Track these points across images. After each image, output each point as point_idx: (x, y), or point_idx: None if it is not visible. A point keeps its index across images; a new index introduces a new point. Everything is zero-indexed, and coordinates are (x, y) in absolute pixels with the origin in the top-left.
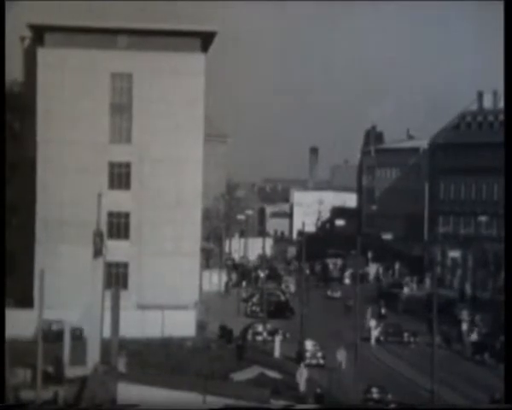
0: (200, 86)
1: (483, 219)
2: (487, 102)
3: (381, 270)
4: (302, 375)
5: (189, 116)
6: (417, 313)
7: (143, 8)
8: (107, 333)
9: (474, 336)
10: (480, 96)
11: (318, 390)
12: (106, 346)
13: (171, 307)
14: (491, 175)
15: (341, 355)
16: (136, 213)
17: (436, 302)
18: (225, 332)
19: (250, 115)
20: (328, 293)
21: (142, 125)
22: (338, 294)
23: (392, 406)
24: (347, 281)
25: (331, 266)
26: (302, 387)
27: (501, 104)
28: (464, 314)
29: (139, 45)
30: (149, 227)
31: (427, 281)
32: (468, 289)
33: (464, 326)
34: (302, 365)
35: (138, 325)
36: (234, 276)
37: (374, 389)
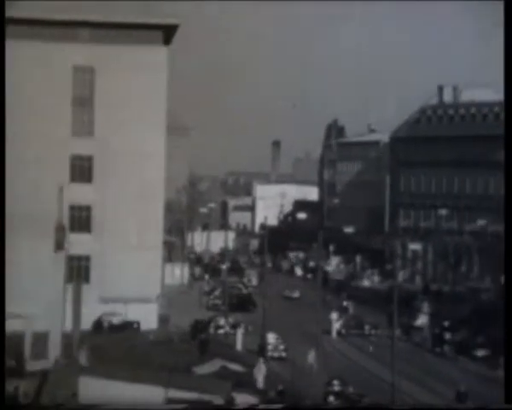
0: (163, 79)
1: (443, 212)
2: (447, 96)
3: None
4: (260, 371)
5: (152, 109)
6: (378, 306)
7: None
8: (69, 326)
9: (434, 329)
10: (441, 90)
11: (280, 387)
12: (67, 339)
13: (134, 301)
14: (451, 168)
15: (312, 357)
16: (98, 206)
17: (397, 295)
18: (197, 330)
19: (213, 108)
20: (286, 293)
21: (104, 119)
22: (296, 294)
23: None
24: (299, 272)
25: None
26: (260, 383)
27: (461, 98)
28: (425, 307)
29: (101, 38)
30: (111, 220)
31: (388, 274)
32: (428, 281)
33: (424, 318)
34: (261, 360)
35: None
36: (196, 269)
37: (335, 382)
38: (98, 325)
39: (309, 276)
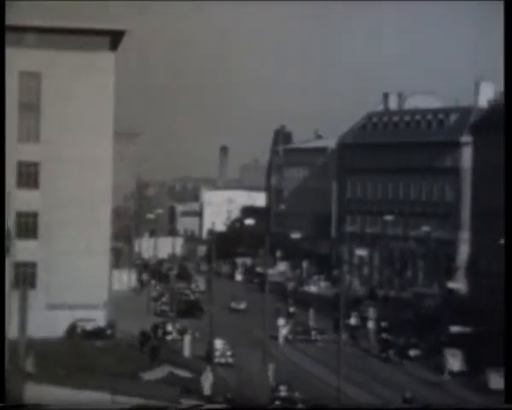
0: (110, 85)
1: (389, 218)
2: (392, 104)
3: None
4: (208, 379)
5: (99, 115)
6: (325, 311)
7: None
8: (15, 333)
9: (379, 334)
10: (386, 97)
11: (228, 395)
12: (13, 346)
13: (81, 307)
14: (397, 174)
15: (271, 370)
16: (45, 212)
17: (343, 300)
18: (145, 338)
19: (160, 114)
20: (232, 305)
21: (50, 124)
22: (243, 305)
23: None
24: (239, 277)
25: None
26: (207, 391)
27: (406, 105)
28: (371, 312)
29: (47, 43)
30: (58, 227)
31: (335, 279)
32: (374, 287)
33: (370, 324)
34: (208, 369)
35: (47, 324)
36: (144, 275)
37: (282, 388)
38: (71, 331)
39: (255, 281)
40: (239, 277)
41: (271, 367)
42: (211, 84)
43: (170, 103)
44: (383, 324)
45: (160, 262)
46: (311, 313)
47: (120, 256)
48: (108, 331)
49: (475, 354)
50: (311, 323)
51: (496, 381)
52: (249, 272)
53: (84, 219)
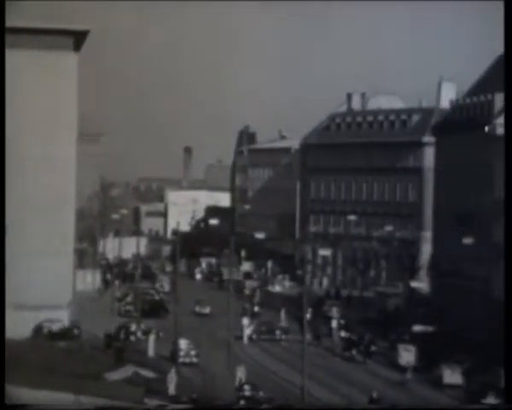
0: (73, 85)
1: (352, 218)
2: (356, 104)
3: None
4: (173, 380)
5: (62, 115)
6: (289, 311)
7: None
8: None
9: (343, 333)
10: (349, 97)
11: (194, 395)
12: None
13: (45, 308)
14: (360, 175)
15: (241, 372)
16: (8, 212)
17: (307, 300)
18: (110, 340)
19: (124, 114)
20: (197, 309)
21: (13, 124)
22: (207, 310)
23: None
24: (198, 276)
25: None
26: (172, 391)
27: (368, 105)
28: (334, 311)
29: (10, 43)
30: (22, 227)
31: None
32: (337, 286)
33: (334, 323)
34: (173, 370)
35: (11, 325)
36: (108, 275)
37: (246, 387)
38: (38, 331)
39: (215, 279)
40: (198, 276)
41: (241, 369)
42: (175, 84)
43: (134, 104)
44: (346, 323)
45: (125, 262)
46: (283, 313)
47: (84, 257)
48: (75, 332)
49: (432, 351)
50: (283, 323)
51: (449, 376)
52: (212, 272)
53: (48, 220)
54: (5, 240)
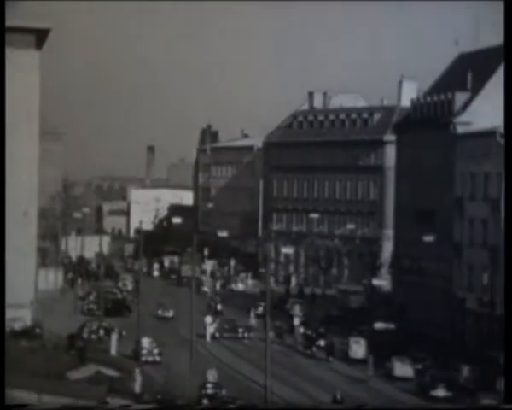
0: (35, 83)
1: (314, 216)
2: (318, 102)
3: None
4: (137, 381)
5: (24, 113)
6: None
7: None
8: None
9: (306, 331)
10: (311, 96)
11: (159, 396)
12: None
13: (7, 306)
14: (323, 173)
15: (212, 375)
16: None
17: (269, 298)
18: (73, 340)
19: (87, 113)
20: (159, 313)
21: None
22: (170, 313)
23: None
24: (156, 273)
25: (167, 264)
26: (136, 389)
27: (330, 104)
28: (296, 309)
29: None
30: None
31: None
32: (300, 284)
33: (296, 321)
34: (137, 371)
35: None
36: (71, 274)
37: (208, 385)
38: None
39: (172, 277)
40: (156, 273)
41: (212, 372)
42: (137, 83)
43: (97, 102)
44: (308, 321)
45: (87, 261)
46: (252, 312)
47: (47, 255)
48: (37, 331)
49: (393, 347)
50: (253, 322)
51: (399, 369)
52: (171, 269)
53: (10, 219)
54: (5, 240)
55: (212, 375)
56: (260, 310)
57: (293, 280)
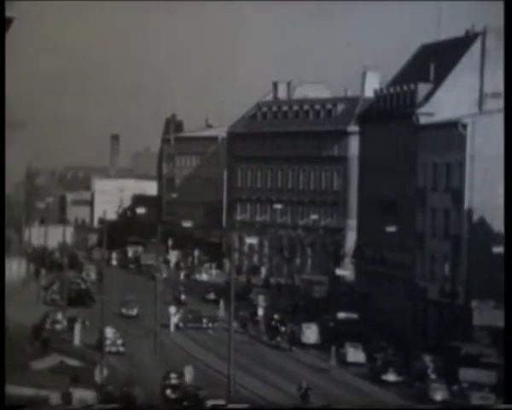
0: None
1: (278, 206)
2: (282, 93)
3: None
4: (101, 374)
5: None
6: (217, 299)
7: None
8: None
9: (269, 321)
10: (275, 86)
11: (125, 388)
12: None
13: None
14: (286, 163)
15: (189, 372)
16: None
17: (233, 288)
18: (37, 331)
19: (49, 101)
20: (123, 311)
21: None
22: (134, 311)
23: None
24: (114, 262)
25: (130, 254)
26: (100, 380)
27: (295, 94)
28: (260, 299)
29: None
30: None
31: (226, 267)
32: (266, 274)
33: (260, 311)
34: (102, 363)
35: None
36: (34, 264)
37: (172, 375)
38: None
39: (131, 267)
40: (114, 262)
41: (189, 369)
42: (102, 71)
43: (60, 91)
44: (272, 311)
45: (51, 251)
46: (222, 302)
47: (10, 245)
48: None
49: (356, 337)
50: (221, 313)
51: (353, 354)
52: (130, 258)
53: None
54: (5, 240)
55: (189, 372)
56: (212, 296)
57: (264, 271)
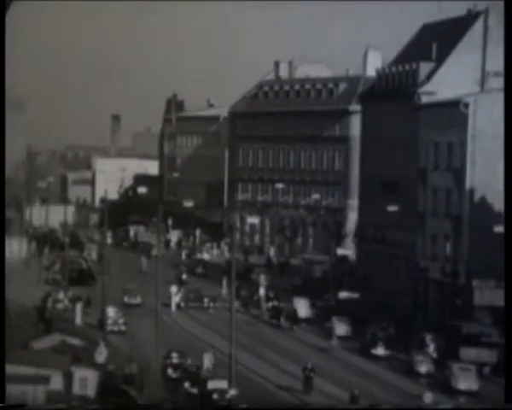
0: None
1: (280, 186)
2: (283, 72)
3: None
4: (102, 354)
5: None
6: (217, 279)
7: None
8: None
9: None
10: (277, 65)
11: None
12: None
13: None
14: (288, 143)
15: (208, 359)
16: None
17: (235, 268)
18: (41, 312)
19: (51, 81)
20: (125, 300)
21: None
22: (137, 300)
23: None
24: (109, 241)
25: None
26: (101, 360)
27: (296, 73)
28: (262, 279)
29: None
30: None
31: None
32: (268, 254)
33: (261, 291)
34: (102, 344)
35: None
36: (35, 244)
37: (174, 354)
38: None
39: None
40: (109, 240)
41: (208, 356)
42: (102, 51)
43: (61, 70)
44: (273, 291)
45: (52, 231)
46: (225, 280)
47: (11, 225)
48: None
49: (358, 317)
50: (224, 291)
51: (340, 328)
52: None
53: None
54: (5, 239)
55: (208, 359)
56: (200, 270)
57: (271, 251)
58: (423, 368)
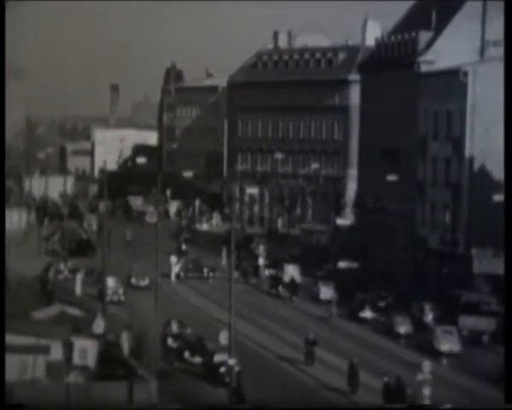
0: None
1: (279, 156)
2: (282, 42)
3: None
4: (99, 326)
5: None
6: (217, 249)
7: None
8: None
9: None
10: (276, 35)
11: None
12: None
13: None
14: (287, 113)
15: (224, 338)
16: None
17: (234, 238)
18: (44, 285)
19: (49, 51)
20: (133, 281)
21: None
22: (146, 281)
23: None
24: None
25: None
26: (99, 330)
27: (295, 43)
28: (261, 249)
29: None
30: None
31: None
32: (270, 224)
33: (261, 261)
34: (99, 316)
35: None
36: (35, 214)
37: (173, 323)
38: None
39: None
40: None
41: (224, 335)
42: (102, 22)
43: (61, 41)
44: (272, 261)
45: (52, 201)
46: (224, 251)
47: (10, 196)
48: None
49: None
50: (224, 262)
51: (324, 293)
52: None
53: None
54: (5, 239)
55: (223, 337)
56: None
57: (280, 222)
58: (402, 329)
